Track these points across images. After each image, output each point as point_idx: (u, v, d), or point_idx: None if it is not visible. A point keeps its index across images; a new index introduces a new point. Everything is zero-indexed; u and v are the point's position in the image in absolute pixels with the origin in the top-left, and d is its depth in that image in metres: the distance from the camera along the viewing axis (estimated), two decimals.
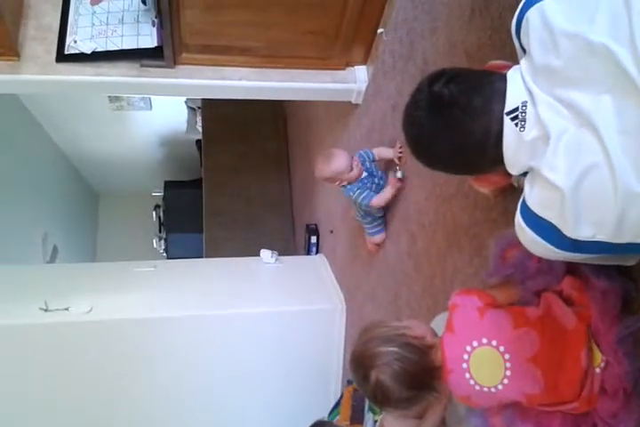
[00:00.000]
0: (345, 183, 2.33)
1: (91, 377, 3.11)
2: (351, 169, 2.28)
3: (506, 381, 1.22)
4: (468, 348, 1.25)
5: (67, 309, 2.97)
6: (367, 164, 2.34)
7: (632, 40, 0.81)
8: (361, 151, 2.37)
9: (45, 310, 2.95)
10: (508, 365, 1.22)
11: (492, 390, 1.23)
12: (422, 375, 1.29)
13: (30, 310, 2.94)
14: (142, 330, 3.10)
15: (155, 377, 3.21)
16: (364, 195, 2.29)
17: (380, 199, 2.29)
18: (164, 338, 3.12)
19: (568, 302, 1.21)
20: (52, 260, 5.60)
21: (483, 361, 1.24)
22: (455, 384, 1.27)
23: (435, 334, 1.35)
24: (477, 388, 1.24)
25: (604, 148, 0.83)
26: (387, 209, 2.44)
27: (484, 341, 1.24)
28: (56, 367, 3.06)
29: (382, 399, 1.33)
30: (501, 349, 1.23)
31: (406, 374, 1.28)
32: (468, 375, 1.24)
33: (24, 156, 5.28)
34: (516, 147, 0.94)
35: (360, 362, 1.35)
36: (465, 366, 1.24)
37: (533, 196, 0.94)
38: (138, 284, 3.34)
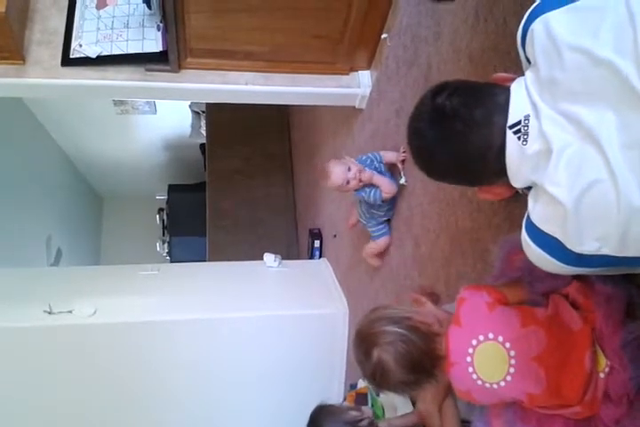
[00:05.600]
0: (353, 191, 2.36)
1: (94, 380, 3.11)
2: (347, 182, 2.29)
3: (509, 378, 1.22)
4: (474, 342, 1.25)
5: (70, 311, 2.97)
6: (376, 164, 2.35)
7: (637, 54, 0.81)
8: (369, 154, 2.38)
9: (49, 313, 2.95)
10: (513, 362, 1.22)
11: (494, 386, 1.23)
12: (425, 361, 1.29)
13: (34, 313, 2.95)
14: (146, 333, 3.11)
15: (158, 380, 3.20)
16: (373, 192, 2.31)
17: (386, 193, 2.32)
18: (168, 341, 3.12)
19: (574, 306, 1.21)
20: (56, 262, 5.61)
21: (487, 356, 1.24)
22: (457, 378, 1.27)
23: (441, 325, 1.34)
24: (479, 383, 1.24)
25: (607, 163, 0.83)
26: (391, 214, 2.45)
27: (491, 336, 1.24)
28: (59, 370, 3.06)
29: (381, 379, 1.33)
30: (507, 345, 1.23)
31: (409, 357, 1.28)
32: (471, 369, 1.24)
33: (28, 159, 5.31)
34: (518, 160, 0.94)
35: (364, 339, 1.36)
36: (469, 359, 1.24)
37: (536, 211, 0.94)
38: (141, 287, 3.35)
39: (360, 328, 1.40)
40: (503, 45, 1.58)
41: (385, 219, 2.46)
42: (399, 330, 1.30)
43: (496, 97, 0.97)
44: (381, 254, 2.60)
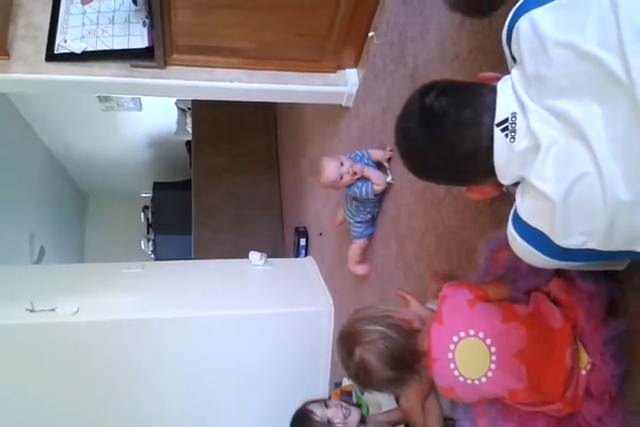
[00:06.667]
0: (345, 187, 2.37)
1: (78, 378, 3.09)
2: (341, 177, 2.31)
3: (490, 374, 1.23)
4: (455, 338, 1.26)
5: (53, 309, 2.94)
6: (365, 160, 2.37)
7: (621, 47, 0.81)
8: (357, 152, 2.39)
9: (31, 311, 2.92)
10: (494, 358, 1.23)
11: (476, 382, 1.24)
12: (406, 356, 1.31)
13: (16, 311, 2.91)
14: (129, 331, 3.09)
15: (143, 378, 3.19)
16: (365, 186, 2.32)
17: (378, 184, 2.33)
18: (152, 339, 3.11)
19: (555, 303, 1.22)
20: (39, 260, 5.55)
21: (468, 353, 1.25)
22: (439, 374, 1.28)
23: (424, 322, 1.36)
24: (461, 379, 1.25)
25: (593, 158, 0.83)
26: (376, 211, 2.45)
27: (471, 332, 1.25)
28: (42, 369, 3.03)
29: (365, 378, 1.35)
30: (488, 341, 1.24)
31: (390, 354, 1.30)
32: (452, 366, 1.25)
33: (12, 155, 5.24)
34: (506, 158, 0.95)
35: (346, 339, 1.38)
36: (450, 356, 1.25)
37: (524, 206, 0.95)
38: (125, 285, 3.32)
39: (342, 330, 1.42)
40: (489, 45, 1.58)
41: (370, 216, 2.46)
42: (379, 328, 1.32)
43: (484, 97, 0.97)
44: (365, 259, 2.61)
